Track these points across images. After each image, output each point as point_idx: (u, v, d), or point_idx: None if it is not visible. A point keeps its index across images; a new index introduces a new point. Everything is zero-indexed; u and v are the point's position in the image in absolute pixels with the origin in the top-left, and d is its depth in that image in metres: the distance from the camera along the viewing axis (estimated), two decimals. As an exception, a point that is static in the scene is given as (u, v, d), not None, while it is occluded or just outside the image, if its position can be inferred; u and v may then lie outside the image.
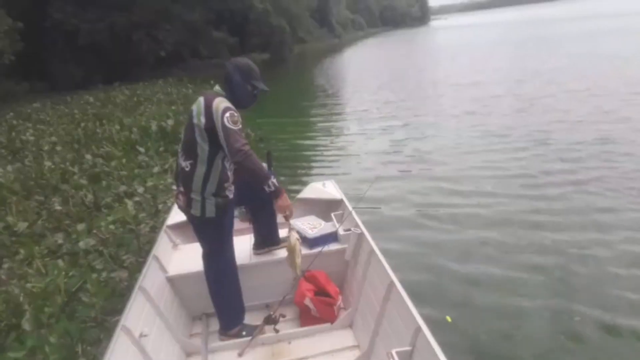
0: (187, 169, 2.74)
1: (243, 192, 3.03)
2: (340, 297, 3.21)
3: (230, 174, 2.81)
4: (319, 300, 3.08)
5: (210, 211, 2.75)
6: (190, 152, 2.72)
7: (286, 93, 17.73)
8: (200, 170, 2.70)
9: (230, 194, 2.85)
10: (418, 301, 3.63)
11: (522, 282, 4.07)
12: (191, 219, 2.87)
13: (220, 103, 2.65)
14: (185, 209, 2.83)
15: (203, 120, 2.64)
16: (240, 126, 2.63)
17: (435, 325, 3.49)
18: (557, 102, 11.12)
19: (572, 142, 7.89)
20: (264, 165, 2.94)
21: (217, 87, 2.86)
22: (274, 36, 40.44)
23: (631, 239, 4.67)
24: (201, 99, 2.73)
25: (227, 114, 2.58)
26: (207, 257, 2.98)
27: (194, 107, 2.74)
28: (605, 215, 5.19)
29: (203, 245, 2.99)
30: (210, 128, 2.62)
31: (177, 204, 2.91)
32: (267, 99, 15.11)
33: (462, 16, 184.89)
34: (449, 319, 3.60)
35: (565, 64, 17.19)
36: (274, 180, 2.70)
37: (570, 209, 5.45)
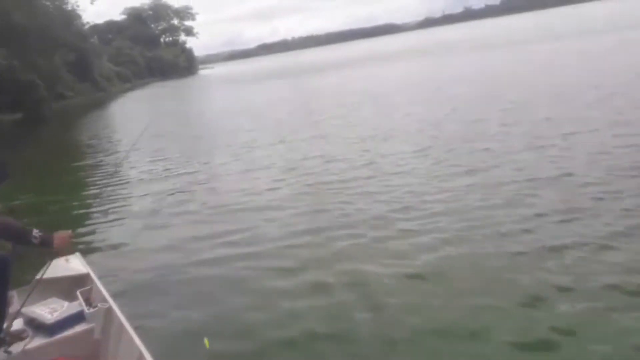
0: None
1: None
2: None
3: None
4: (64, 393, 2.80)
5: None
6: None
7: (45, 156, 16.03)
8: None
9: None
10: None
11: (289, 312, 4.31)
12: None
13: None
14: None
15: None
16: None
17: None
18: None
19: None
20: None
21: None
22: (26, 94, 36.41)
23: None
24: None
25: None
26: None
27: None
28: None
29: None
30: None
31: None
32: (26, 168, 13.76)
33: (227, 65, 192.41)
34: (207, 343, 3.59)
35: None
36: (36, 232, 2.68)
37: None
